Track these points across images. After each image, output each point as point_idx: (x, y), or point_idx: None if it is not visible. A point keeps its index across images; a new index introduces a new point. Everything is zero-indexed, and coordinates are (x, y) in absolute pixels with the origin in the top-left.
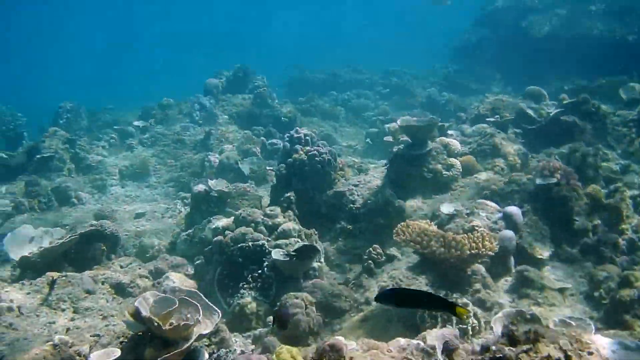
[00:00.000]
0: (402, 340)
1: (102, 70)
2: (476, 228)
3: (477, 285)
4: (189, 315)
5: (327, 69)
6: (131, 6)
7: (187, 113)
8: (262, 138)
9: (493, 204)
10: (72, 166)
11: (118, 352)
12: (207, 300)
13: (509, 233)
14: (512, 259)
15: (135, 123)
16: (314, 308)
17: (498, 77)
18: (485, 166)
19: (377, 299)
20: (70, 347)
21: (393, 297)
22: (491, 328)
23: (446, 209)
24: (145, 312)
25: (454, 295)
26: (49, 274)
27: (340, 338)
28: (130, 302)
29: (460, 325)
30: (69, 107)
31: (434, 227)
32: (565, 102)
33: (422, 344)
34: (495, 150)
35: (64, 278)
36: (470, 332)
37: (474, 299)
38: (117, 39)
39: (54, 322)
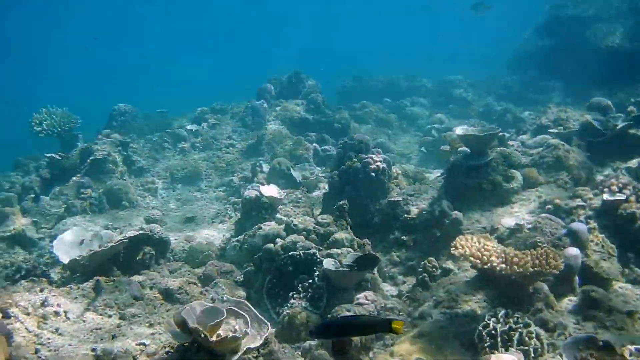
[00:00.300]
0: None
1: (157, 74)
2: (539, 244)
3: (539, 305)
4: (237, 327)
5: (381, 77)
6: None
7: (239, 117)
8: (315, 144)
9: (557, 220)
10: (124, 169)
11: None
12: (256, 312)
13: (575, 251)
14: (576, 278)
15: (188, 127)
16: None
17: (558, 87)
18: (548, 179)
19: (312, 333)
20: (112, 359)
21: (330, 329)
22: (554, 350)
23: (507, 222)
24: (192, 323)
25: (516, 315)
26: (96, 278)
27: None
28: (177, 311)
29: (522, 347)
30: (123, 109)
31: (494, 242)
32: (633, 114)
33: None
34: (559, 163)
35: (111, 283)
36: (532, 355)
37: (535, 319)
38: (170, 44)
39: (100, 329)
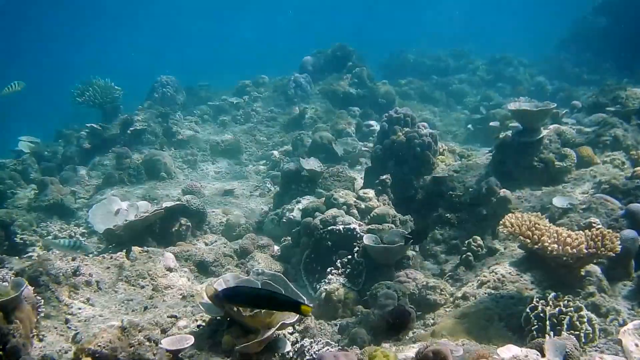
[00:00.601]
0: (514, 349)
1: (200, 49)
2: (594, 225)
3: (591, 288)
4: None
5: (430, 53)
6: None
7: (282, 91)
8: (358, 119)
9: (614, 200)
10: (163, 140)
11: (192, 340)
12: (292, 286)
13: (632, 233)
14: (632, 262)
15: (230, 99)
16: (407, 300)
17: (614, 68)
18: (604, 159)
19: (217, 296)
20: (140, 332)
21: (239, 297)
22: (605, 335)
23: (560, 202)
24: None
25: (566, 298)
26: (132, 248)
27: (445, 343)
28: (210, 282)
29: (572, 331)
30: (165, 81)
31: (545, 221)
32: None
33: (539, 356)
34: (616, 142)
35: (145, 253)
36: (583, 340)
37: (587, 303)
38: (216, 16)
39: (131, 300)
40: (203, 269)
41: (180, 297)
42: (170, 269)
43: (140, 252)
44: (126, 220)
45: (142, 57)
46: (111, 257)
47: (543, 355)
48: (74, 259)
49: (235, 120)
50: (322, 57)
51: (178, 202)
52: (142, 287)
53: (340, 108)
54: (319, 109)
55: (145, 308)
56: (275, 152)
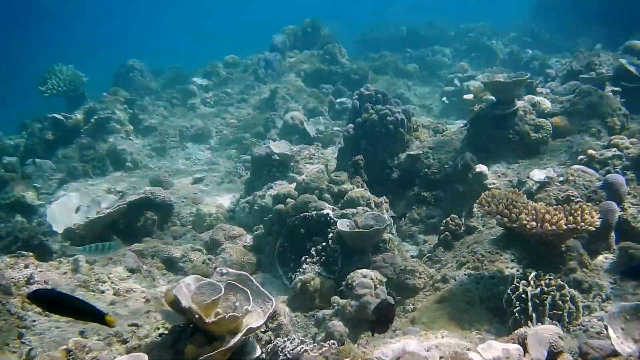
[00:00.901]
0: (495, 346)
1: (172, 30)
2: (572, 198)
3: (572, 264)
4: (237, 304)
5: (403, 25)
6: None
7: (252, 71)
8: (330, 97)
9: (591, 171)
10: (130, 128)
11: (145, 358)
12: (259, 285)
13: (612, 205)
14: (613, 234)
15: (198, 82)
16: (384, 288)
17: (586, 32)
18: (580, 128)
19: (29, 296)
20: (87, 353)
21: (45, 298)
22: (589, 313)
23: (537, 175)
24: (185, 302)
25: (547, 276)
26: (79, 257)
27: (417, 345)
28: (169, 287)
29: (555, 311)
30: (131, 65)
31: (523, 197)
32: None
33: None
34: (591, 110)
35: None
36: (567, 319)
37: (569, 279)
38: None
39: None
40: (171, 265)
41: (144, 300)
42: (132, 270)
43: (88, 269)
44: (87, 218)
45: (113, 41)
46: (67, 261)
47: (526, 351)
48: (27, 266)
49: (205, 103)
50: (293, 34)
51: (142, 195)
52: (102, 292)
53: (313, 86)
54: (291, 87)
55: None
56: (247, 135)
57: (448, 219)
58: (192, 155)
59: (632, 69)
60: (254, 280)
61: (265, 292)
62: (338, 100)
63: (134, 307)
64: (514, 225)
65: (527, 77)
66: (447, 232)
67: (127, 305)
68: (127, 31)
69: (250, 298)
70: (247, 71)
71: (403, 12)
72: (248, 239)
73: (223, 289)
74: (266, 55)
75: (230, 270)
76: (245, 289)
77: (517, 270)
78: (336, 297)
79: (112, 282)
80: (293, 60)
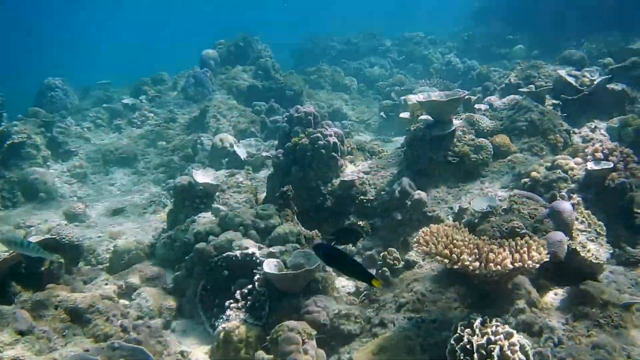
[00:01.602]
0: None
1: (107, 45)
2: (517, 230)
3: (521, 303)
4: None
5: (339, 37)
6: None
7: (181, 88)
8: (263, 115)
9: (536, 197)
10: (47, 153)
11: None
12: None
13: (559, 235)
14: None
15: (125, 100)
16: (314, 342)
17: (522, 39)
18: (522, 147)
19: (314, 248)
20: None
21: (329, 253)
22: None
23: (479, 205)
24: None
25: (494, 322)
26: None
27: None
28: None
29: None
30: (52, 84)
31: (464, 232)
32: (611, 67)
33: None
34: (533, 127)
35: None
36: None
37: (517, 322)
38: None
39: None
40: (77, 317)
41: None
42: (22, 333)
43: None
44: None
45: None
46: None
47: None
48: None
49: (131, 123)
50: (225, 49)
51: (47, 236)
52: None
53: (246, 103)
54: (222, 106)
55: None
56: (176, 158)
57: (385, 252)
58: (116, 181)
59: (570, 80)
60: (149, 354)
61: None
62: (271, 118)
63: None
64: (456, 267)
65: (463, 94)
66: (384, 267)
67: None
68: (56, 46)
69: None
70: (176, 89)
71: (339, 23)
72: (169, 279)
73: None
74: (195, 71)
75: (123, 344)
76: None
77: (462, 311)
78: (261, 352)
79: None
80: (224, 76)
